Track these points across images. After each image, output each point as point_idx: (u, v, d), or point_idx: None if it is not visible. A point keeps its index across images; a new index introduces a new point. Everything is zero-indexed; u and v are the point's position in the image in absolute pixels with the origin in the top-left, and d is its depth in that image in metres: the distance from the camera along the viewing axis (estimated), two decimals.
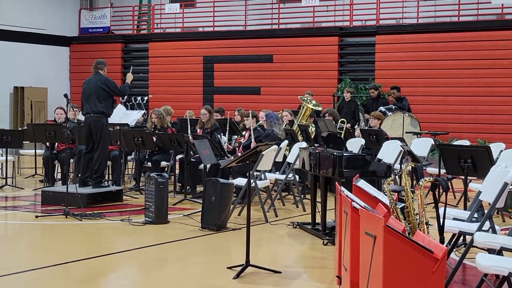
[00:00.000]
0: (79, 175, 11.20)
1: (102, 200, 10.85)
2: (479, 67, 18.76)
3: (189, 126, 12.53)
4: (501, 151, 10.50)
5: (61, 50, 25.22)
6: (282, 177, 10.77)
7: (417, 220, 5.42)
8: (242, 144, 11.98)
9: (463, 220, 6.71)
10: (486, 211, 6.32)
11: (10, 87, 23.59)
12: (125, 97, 23.27)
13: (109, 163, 12.75)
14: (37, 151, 13.99)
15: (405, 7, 20.35)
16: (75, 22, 25.68)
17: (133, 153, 13.27)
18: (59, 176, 13.01)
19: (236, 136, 13.23)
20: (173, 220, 9.43)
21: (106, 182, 11.56)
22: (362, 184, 6.36)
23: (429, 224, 5.59)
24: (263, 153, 9.29)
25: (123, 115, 12.24)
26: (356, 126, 16.32)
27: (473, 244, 5.79)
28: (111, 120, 11.75)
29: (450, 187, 11.59)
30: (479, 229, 6.03)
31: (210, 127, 12.46)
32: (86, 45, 25.01)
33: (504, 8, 18.94)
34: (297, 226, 9.12)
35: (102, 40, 25.06)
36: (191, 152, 11.76)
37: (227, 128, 12.66)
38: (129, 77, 11.72)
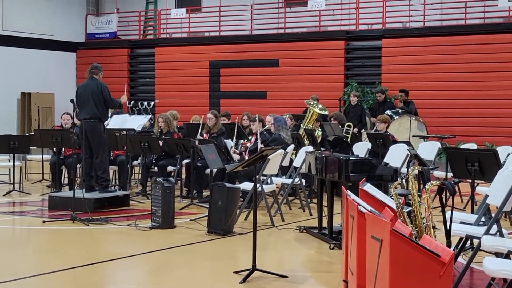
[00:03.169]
0: (85, 180, 11.21)
1: (108, 205, 10.86)
2: (486, 70, 18.72)
3: (200, 130, 12.59)
4: (509, 154, 10.45)
5: (67, 56, 25.30)
6: (289, 181, 10.76)
7: (424, 224, 5.40)
8: (248, 149, 11.98)
9: (470, 224, 6.68)
10: (493, 215, 6.29)
11: (17, 92, 23.66)
12: (132, 101, 23.37)
13: (115, 168, 12.79)
14: (44, 156, 14.03)
15: (411, 10, 20.33)
16: (82, 27, 25.75)
17: (139, 158, 13.28)
18: (66, 181, 13.03)
19: (242, 141, 13.23)
20: (179, 225, 9.43)
21: (112, 187, 11.57)
22: (369, 188, 6.34)
23: (436, 228, 5.57)
24: (269, 157, 9.29)
25: (125, 121, 12.25)
26: (362, 130, 16.30)
27: (481, 248, 5.76)
28: (114, 126, 11.76)
29: (457, 190, 11.55)
30: (487, 232, 6.00)
31: (216, 132, 12.49)
32: (93, 51, 25.07)
33: (511, 11, 18.91)
34: (304, 231, 9.11)
35: (108, 45, 25.13)
36: (198, 157, 11.76)
37: (235, 132, 12.67)
38: (123, 98, 11.85)
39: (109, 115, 12.30)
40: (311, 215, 10.47)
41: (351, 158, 8.26)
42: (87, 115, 10.76)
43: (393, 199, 5.66)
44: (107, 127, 11.40)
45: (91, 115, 10.75)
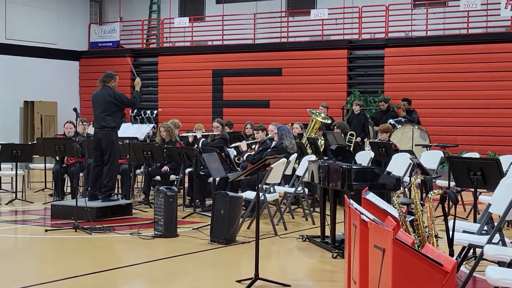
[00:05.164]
0: (89, 189, 11.21)
1: (111, 213, 10.85)
2: (489, 79, 18.72)
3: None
4: (511, 163, 10.45)
5: (71, 65, 25.35)
6: (291, 190, 10.76)
7: (426, 233, 5.40)
8: (251, 157, 11.98)
9: (473, 233, 6.68)
10: (496, 224, 6.29)
11: (20, 101, 23.69)
12: (135, 110, 23.37)
13: (118, 176, 12.78)
14: (47, 165, 14.03)
15: (414, 19, 20.35)
16: (85, 36, 25.81)
17: (142, 166, 13.28)
18: (68, 190, 13.04)
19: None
20: (182, 234, 9.43)
21: (115, 196, 11.57)
22: (371, 197, 6.34)
23: (439, 237, 5.57)
24: (272, 166, 9.29)
25: (128, 129, 12.27)
26: (365, 139, 16.29)
27: (483, 257, 5.76)
28: None
29: (459, 199, 11.54)
30: (489, 241, 6.00)
31: (218, 137, 12.63)
32: (96, 59, 25.11)
33: None
34: (307, 239, 9.10)
35: (111, 54, 25.16)
36: (201, 166, 11.78)
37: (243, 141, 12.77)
38: (138, 83, 11.68)
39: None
40: (314, 224, 10.46)
41: (353, 167, 8.26)
42: (100, 124, 10.78)
43: (395, 208, 5.67)
44: None
45: (104, 125, 10.76)
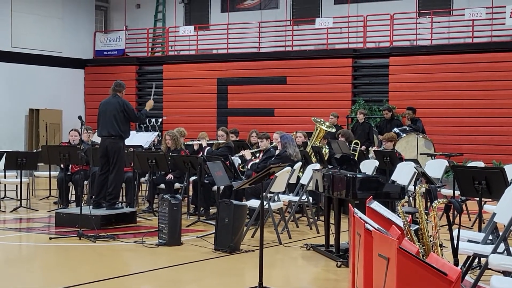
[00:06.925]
0: (93, 196, 11.21)
1: (115, 221, 10.84)
2: (493, 88, 18.71)
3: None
4: None
5: (76, 73, 25.40)
6: (296, 198, 10.75)
7: (431, 242, 5.39)
8: (256, 165, 11.97)
9: (478, 242, 6.67)
10: (501, 233, 6.27)
11: (25, 109, 23.76)
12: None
13: (123, 185, 12.78)
14: (51, 173, 14.04)
15: (419, 28, 20.36)
16: (90, 44, 25.87)
17: (147, 174, 13.28)
18: (73, 198, 13.04)
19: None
20: (186, 242, 9.42)
21: (119, 204, 11.57)
22: (376, 205, 6.33)
23: (443, 246, 5.56)
24: (276, 174, 9.28)
25: (132, 137, 12.29)
26: (370, 148, 16.28)
27: (488, 266, 5.74)
28: None
29: (464, 208, 11.51)
30: (494, 251, 5.98)
31: (222, 146, 12.65)
32: (101, 68, 25.17)
33: None
34: (311, 248, 9.09)
35: (116, 62, 25.21)
36: (206, 174, 11.78)
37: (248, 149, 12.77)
38: (149, 105, 11.77)
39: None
40: (318, 232, 10.45)
41: (358, 176, 8.24)
42: (108, 132, 10.79)
43: (400, 217, 5.65)
44: None
45: (112, 133, 10.77)
